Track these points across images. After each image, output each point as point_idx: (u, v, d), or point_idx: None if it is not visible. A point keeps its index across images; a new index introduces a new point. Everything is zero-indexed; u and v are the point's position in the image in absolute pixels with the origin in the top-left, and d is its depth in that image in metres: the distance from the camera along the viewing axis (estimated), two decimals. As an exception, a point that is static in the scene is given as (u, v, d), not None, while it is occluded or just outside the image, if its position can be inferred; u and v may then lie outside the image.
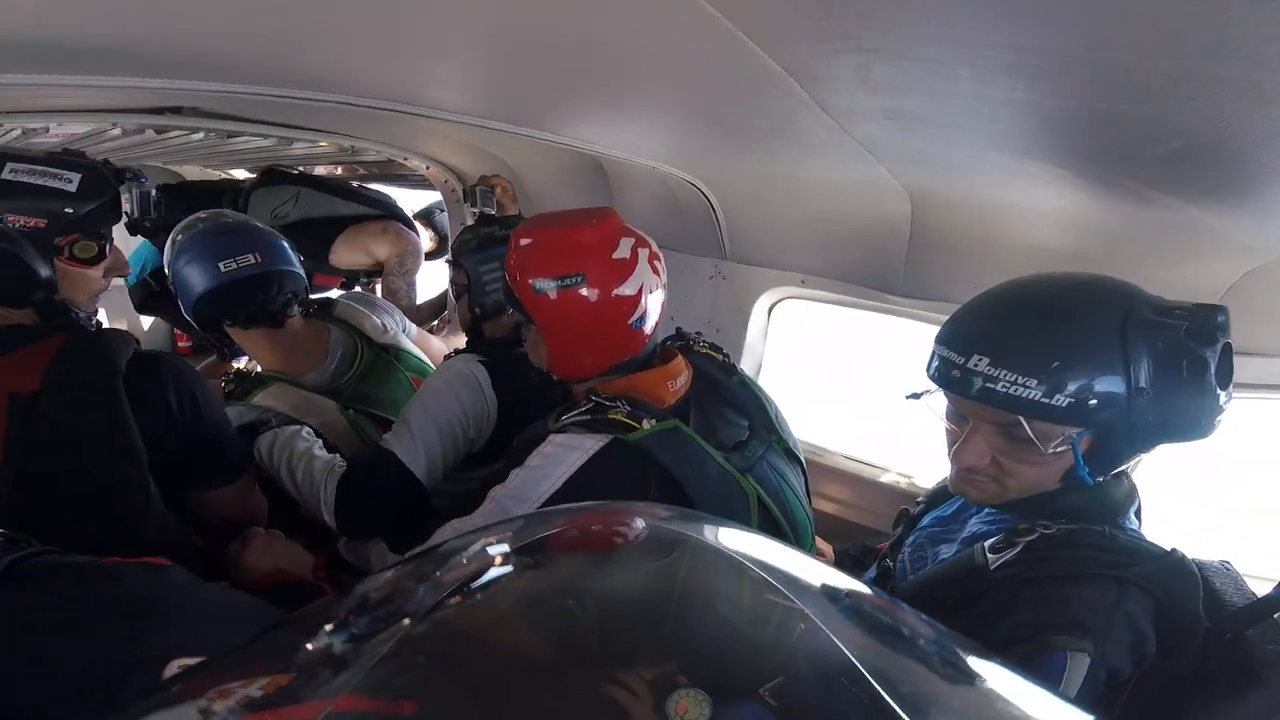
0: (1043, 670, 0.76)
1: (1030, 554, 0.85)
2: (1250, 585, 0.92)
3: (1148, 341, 0.80)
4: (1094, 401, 0.80)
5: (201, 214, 1.63)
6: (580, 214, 1.16)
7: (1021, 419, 0.83)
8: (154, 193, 1.22)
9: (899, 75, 0.83)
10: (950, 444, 0.94)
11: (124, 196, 1.17)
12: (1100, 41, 0.65)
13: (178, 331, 3.07)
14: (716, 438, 1.15)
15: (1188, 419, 0.81)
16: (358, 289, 2.46)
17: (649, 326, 1.16)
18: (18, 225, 1.06)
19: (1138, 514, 0.96)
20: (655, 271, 1.15)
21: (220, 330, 1.60)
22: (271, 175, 2.38)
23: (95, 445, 1.01)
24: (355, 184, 2.58)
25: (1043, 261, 0.94)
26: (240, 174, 3.19)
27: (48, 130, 1.58)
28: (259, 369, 1.71)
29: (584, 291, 1.10)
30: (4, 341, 1.03)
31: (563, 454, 1.07)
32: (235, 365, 2.11)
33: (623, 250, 1.11)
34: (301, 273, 1.65)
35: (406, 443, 1.30)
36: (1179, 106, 0.73)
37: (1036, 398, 0.80)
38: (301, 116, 1.82)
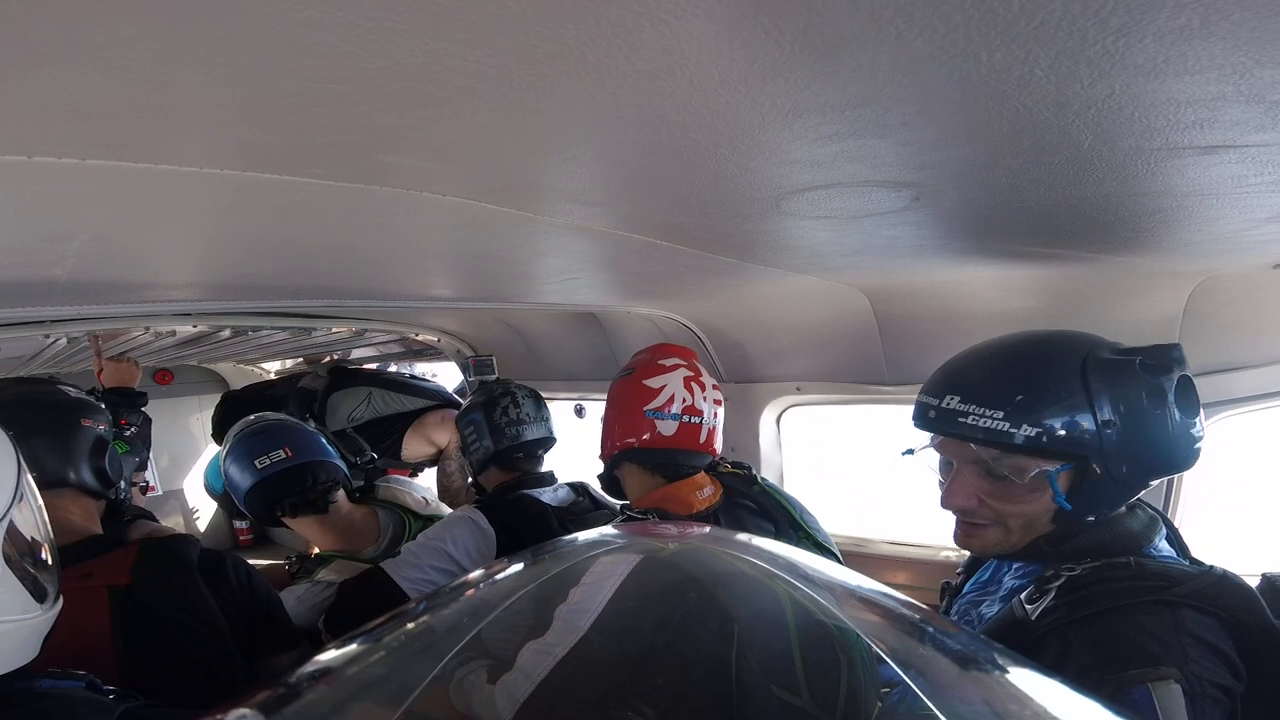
0: (1129, 711, 0.73)
1: (1065, 596, 0.85)
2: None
3: (1107, 375, 0.86)
4: (1061, 433, 0.85)
5: (249, 418, 1.81)
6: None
7: (995, 451, 0.89)
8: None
9: (819, 200, 0.92)
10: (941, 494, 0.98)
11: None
12: (998, 152, 0.67)
13: (237, 527, 3.36)
14: None
15: (1160, 449, 0.86)
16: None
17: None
18: (102, 428, 1.28)
19: (1174, 541, 0.96)
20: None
21: (274, 519, 1.74)
22: (340, 377, 2.50)
23: (189, 627, 1.15)
24: (410, 375, 2.76)
25: (1007, 325, 1.01)
26: (271, 366, 3.47)
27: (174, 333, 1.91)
28: (316, 551, 1.83)
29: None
30: (93, 549, 1.17)
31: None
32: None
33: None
34: (338, 461, 1.79)
35: (395, 561, 1.51)
36: (1071, 190, 0.78)
37: (1004, 428, 0.86)
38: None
